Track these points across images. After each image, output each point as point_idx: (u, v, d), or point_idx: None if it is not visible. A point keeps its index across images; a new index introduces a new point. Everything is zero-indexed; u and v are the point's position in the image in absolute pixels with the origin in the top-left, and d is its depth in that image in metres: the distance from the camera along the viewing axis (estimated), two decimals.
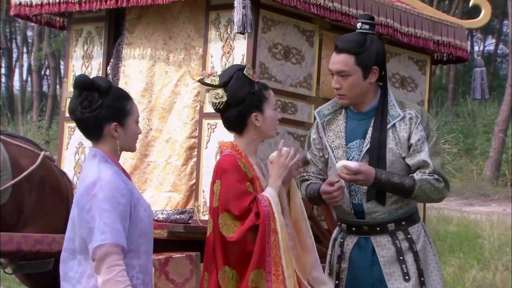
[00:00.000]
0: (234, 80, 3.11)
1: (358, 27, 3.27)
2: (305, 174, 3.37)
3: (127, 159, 4.77)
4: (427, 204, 5.48)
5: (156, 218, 4.54)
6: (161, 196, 4.65)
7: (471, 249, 8.90)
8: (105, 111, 2.67)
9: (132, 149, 2.80)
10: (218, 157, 4.43)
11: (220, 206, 3.02)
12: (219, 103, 3.09)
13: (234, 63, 4.45)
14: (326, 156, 3.31)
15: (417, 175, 3.18)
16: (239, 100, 3.09)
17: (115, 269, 2.54)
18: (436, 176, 3.19)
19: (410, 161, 3.20)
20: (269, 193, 3.04)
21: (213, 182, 3.09)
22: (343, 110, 3.32)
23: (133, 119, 2.74)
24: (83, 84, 2.70)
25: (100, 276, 2.55)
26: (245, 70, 3.14)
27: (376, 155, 3.18)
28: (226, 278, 2.98)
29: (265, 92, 3.14)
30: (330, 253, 3.31)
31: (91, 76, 4.89)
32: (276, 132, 3.26)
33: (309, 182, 3.34)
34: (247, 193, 3.01)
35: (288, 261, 2.98)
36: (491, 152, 15.52)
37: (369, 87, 3.25)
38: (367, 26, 3.26)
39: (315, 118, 3.43)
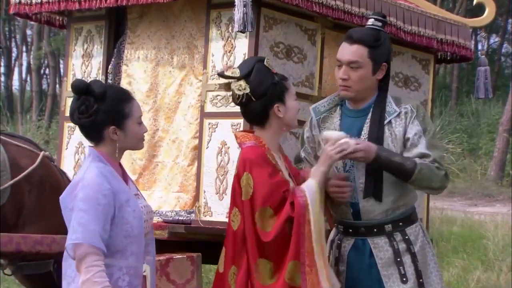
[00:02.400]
0: (255, 71, 3.10)
1: (370, 23, 3.24)
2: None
3: (136, 160, 4.77)
4: (430, 205, 5.44)
5: (163, 218, 4.55)
6: (170, 197, 4.66)
7: (475, 250, 8.86)
8: (101, 116, 2.68)
9: (137, 148, 2.82)
10: (219, 156, 4.44)
11: (255, 201, 3.01)
12: (242, 95, 3.07)
13: (235, 62, 4.43)
14: (319, 154, 3.26)
15: (418, 160, 3.13)
16: (263, 92, 3.09)
17: (93, 269, 2.55)
18: (436, 164, 3.15)
19: (408, 155, 3.15)
20: (307, 183, 3.04)
21: (239, 175, 3.06)
22: (338, 107, 3.28)
23: (134, 121, 2.72)
24: (79, 89, 2.71)
25: (80, 276, 2.56)
26: (265, 61, 3.13)
27: None
28: (262, 271, 2.99)
29: (285, 83, 3.15)
30: (328, 255, 3.26)
31: (91, 75, 4.92)
32: (297, 122, 3.25)
33: None
34: (282, 183, 3.02)
35: (319, 253, 2.99)
36: (495, 152, 15.47)
37: (374, 83, 3.22)
38: (379, 24, 3.24)
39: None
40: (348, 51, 3.17)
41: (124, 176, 2.79)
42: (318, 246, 2.98)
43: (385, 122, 3.19)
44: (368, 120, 3.20)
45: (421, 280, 3.14)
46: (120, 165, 2.81)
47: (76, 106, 2.70)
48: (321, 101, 3.38)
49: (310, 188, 3.01)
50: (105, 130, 2.69)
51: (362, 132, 3.20)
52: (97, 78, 4.91)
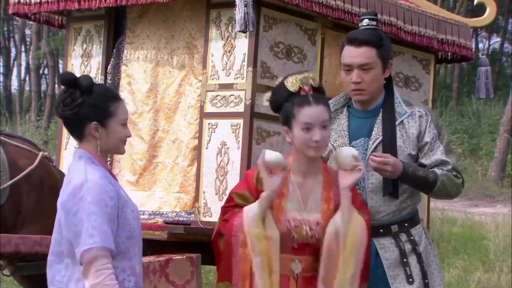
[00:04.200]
0: (277, 87, 2.93)
1: (365, 24, 3.21)
2: None
3: (136, 160, 4.77)
4: (431, 205, 5.43)
5: (163, 219, 4.53)
6: (170, 197, 4.66)
7: (476, 250, 8.84)
8: (85, 110, 2.64)
9: (118, 151, 2.74)
10: (219, 157, 4.43)
11: None
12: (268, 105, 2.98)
13: (235, 62, 4.42)
14: (324, 155, 3.24)
15: (438, 170, 3.15)
16: (275, 109, 2.94)
17: (104, 272, 2.51)
18: (455, 173, 3.18)
19: (426, 160, 3.16)
20: (249, 207, 2.88)
21: None
22: (345, 108, 3.27)
23: (117, 121, 2.66)
24: (66, 81, 2.68)
25: (88, 280, 2.52)
26: (290, 79, 2.87)
27: (390, 150, 3.12)
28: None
29: (296, 109, 2.84)
30: None
31: (91, 75, 4.91)
32: (313, 152, 2.89)
33: None
34: (230, 199, 2.96)
35: (266, 280, 2.80)
36: (496, 153, 15.46)
37: (382, 83, 3.21)
38: (374, 23, 3.22)
39: None
40: (357, 54, 3.14)
41: (112, 177, 2.75)
42: (264, 272, 2.80)
43: (397, 122, 3.18)
44: (378, 121, 3.18)
45: (426, 280, 3.14)
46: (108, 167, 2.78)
47: (62, 98, 2.66)
48: None
49: (250, 211, 2.84)
50: (87, 126, 2.65)
51: (373, 133, 3.18)
52: (97, 78, 4.91)
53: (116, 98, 2.67)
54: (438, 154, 3.16)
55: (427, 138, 3.16)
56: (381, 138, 3.16)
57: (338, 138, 3.21)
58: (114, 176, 2.74)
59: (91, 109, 2.63)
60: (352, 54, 3.15)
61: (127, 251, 2.61)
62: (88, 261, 2.52)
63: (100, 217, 2.53)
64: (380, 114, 3.19)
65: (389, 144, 3.14)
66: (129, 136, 2.70)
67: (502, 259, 8.33)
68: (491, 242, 8.91)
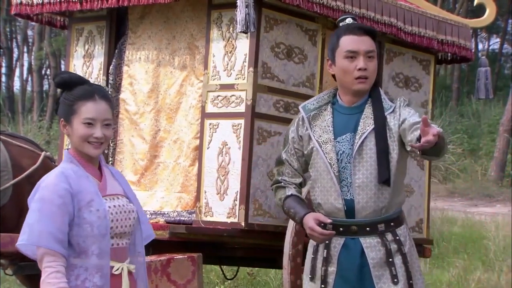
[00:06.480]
0: None
1: (349, 22, 3.24)
2: (280, 179, 3.27)
3: (137, 160, 4.79)
4: (431, 205, 5.44)
5: (165, 218, 4.55)
6: (172, 197, 4.67)
7: (476, 250, 8.86)
8: (59, 108, 2.72)
9: (83, 151, 2.68)
10: (220, 157, 4.44)
11: None
12: None
13: (236, 63, 4.44)
14: (306, 152, 3.24)
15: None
16: None
17: (47, 270, 2.56)
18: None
19: (406, 126, 3.10)
20: None
21: None
22: (328, 105, 3.26)
23: (79, 120, 2.67)
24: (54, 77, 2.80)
25: None
26: None
27: (382, 136, 3.11)
28: None
29: None
30: (313, 256, 3.19)
31: (92, 76, 4.94)
32: None
33: (289, 194, 3.23)
34: None
35: None
36: (496, 153, 15.48)
37: None
38: (356, 22, 3.27)
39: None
40: (362, 41, 3.15)
41: (103, 176, 2.74)
42: None
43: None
44: (364, 116, 3.19)
45: (411, 281, 3.10)
46: (100, 166, 2.75)
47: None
48: (310, 99, 3.32)
49: None
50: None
51: (359, 127, 3.18)
52: (98, 79, 4.93)
53: (86, 97, 2.66)
54: (415, 118, 3.11)
55: (403, 116, 3.13)
56: (367, 131, 3.14)
57: (322, 134, 3.20)
58: (103, 175, 2.72)
59: (60, 106, 2.71)
60: (357, 41, 3.15)
61: (87, 250, 2.62)
62: (39, 259, 2.58)
63: (39, 215, 2.56)
64: (365, 110, 3.19)
65: (381, 131, 3.12)
66: (96, 136, 2.66)
67: (502, 259, 8.35)
68: (491, 242, 8.92)
